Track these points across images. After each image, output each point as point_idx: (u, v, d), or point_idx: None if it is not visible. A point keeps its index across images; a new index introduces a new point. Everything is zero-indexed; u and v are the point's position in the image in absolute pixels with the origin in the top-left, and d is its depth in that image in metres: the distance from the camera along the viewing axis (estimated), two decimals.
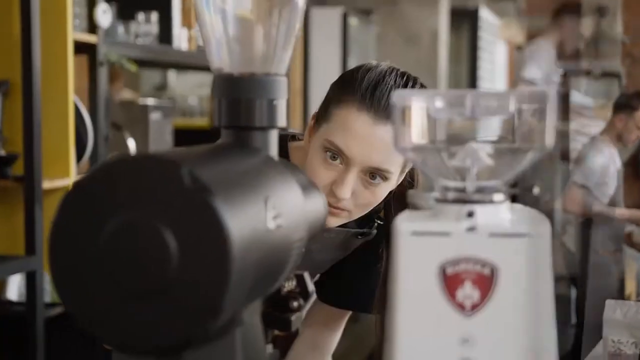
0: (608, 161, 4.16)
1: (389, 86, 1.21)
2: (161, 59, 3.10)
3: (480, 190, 0.70)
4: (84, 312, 0.62)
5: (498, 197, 0.70)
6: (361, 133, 1.19)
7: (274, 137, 0.81)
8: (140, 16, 2.97)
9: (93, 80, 2.64)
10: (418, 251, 0.68)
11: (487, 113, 0.69)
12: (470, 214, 0.68)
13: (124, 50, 2.84)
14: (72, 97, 2.47)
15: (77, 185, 0.63)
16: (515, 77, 4.49)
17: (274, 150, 0.81)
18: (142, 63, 3.19)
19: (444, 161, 0.71)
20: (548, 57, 4.32)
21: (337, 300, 1.48)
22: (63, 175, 2.49)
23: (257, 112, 0.79)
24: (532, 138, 0.69)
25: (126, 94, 3.91)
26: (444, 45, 5.64)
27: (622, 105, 4.23)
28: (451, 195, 0.70)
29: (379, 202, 1.27)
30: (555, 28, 4.43)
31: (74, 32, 2.51)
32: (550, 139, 0.68)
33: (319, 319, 1.49)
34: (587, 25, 4.45)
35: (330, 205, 1.22)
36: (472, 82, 7.24)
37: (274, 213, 0.69)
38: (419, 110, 0.70)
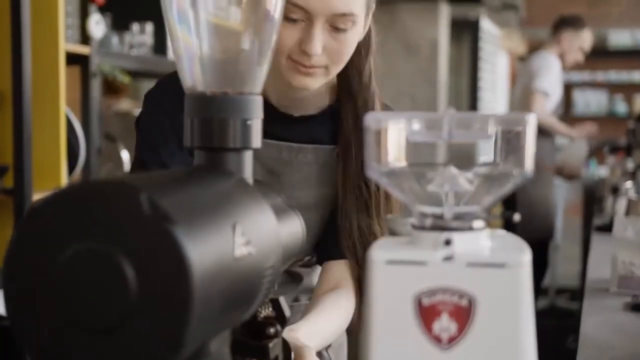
0: (557, 70, 4.36)
1: None
2: (156, 70, 3.07)
3: (458, 216, 0.67)
4: (38, 344, 0.59)
5: (477, 224, 0.67)
6: None
7: (248, 158, 0.78)
8: (135, 27, 2.95)
9: (85, 91, 2.62)
10: (393, 281, 0.65)
11: (465, 136, 0.66)
12: (448, 242, 0.65)
13: (118, 61, 2.82)
14: (63, 108, 2.44)
15: (33, 210, 0.60)
16: (522, 88, 4.49)
17: (248, 171, 0.78)
18: (137, 74, 3.16)
19: (421, 186, 0.68)
20: (556, 69, 4.36)
21: (339, 252, 1.30)
22: (54, 187, 2.46)
23: (230, 133, 0.76)
24: (512, 164, 0.66)
25: (124, 104, 3.88)
26: (444, 56, 5.61)
27: (567, 24, 4.36)
28: (428, 222, 0.67)
29: (352, 50, 1.21)
30: (556, 42, 4.46)
31: (66, 43, 2.49)
32: (530, 165, 0.65)
33: (330, 284, 1.29)
34: (589, 38, 4.48)
35: (303, 65, 1.19)
36: (473, 93, 7.22)
37: (243, 240, 0.66)
38: (394, 132, 0.67)
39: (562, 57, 4.40)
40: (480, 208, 0.68)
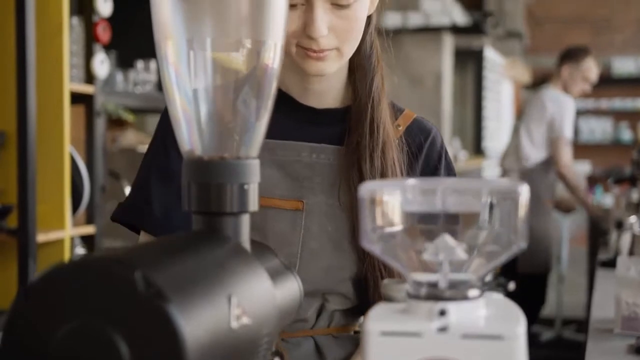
0: (574, 112, 4.41)
1: None
2: (160, 107, 3.09)
3: (453, 285, 0.67)
4: None
5: (472, 292, 0.67)
6: None
7: (245, 222, 0.78)
8: (140, 64, 2.97)
9: (90, 130, 2.63)
10: (388, 352, 0.65)
11: (459, 206, 0.67)
12: (443, 313, 0.65)
13: (122, 100, 2.83)
14: (68, 148, 2.46)
15: (29, 288, 0.60)
16: (525, 124, 4.49)
17: (245, 235, 0.78)
18: (142, 110, 3.18)
19: (416, 254, 0.68)
20: (573, 111, 4.40)
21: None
22: (58, 227, 2.46)
23: (227, 198, 0.77)
24: (506, 234, 0.66)
25: (130, 136, 3.90)
26: (447, 87, 5.63)
27: (568, 57, 4.38)
28: (423, 291, 0.67)
29: (361, 25, 1.14)
30: (557, 75, 4.49)
31: (71, 83, 2.51)
32: (523, 236, 0.66)
33: None
34: (593, 67, 4.50)
35: (313, 50, 1.12)
36: (477, 122, 7.23)
37: (239, 311, 0.66)
38: (388, 202, 0.68)
39: (566, 89, 4.42)
40: (475, 277, 0.68)
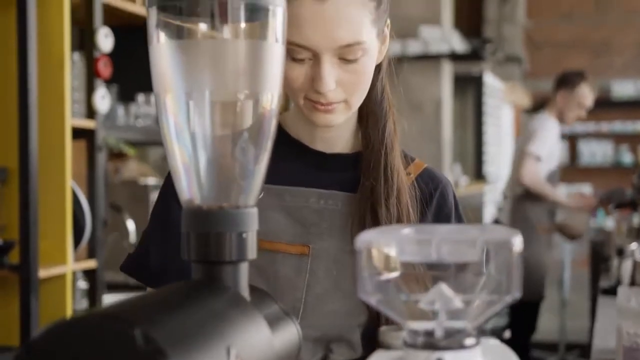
0: (555, 136, 4.38)
1: None
2: (161, 140, 3.10)
3: (450, 333, 0.68)
4: None
5: (469, 341, 0.68)
6: (311, 17, 1.08)
7: (244, 270, 0.80)
8: (140, 97, 3.00)
9: (91, 164, 2.65)
10: None
11: (454, 258, 0.68)
12: None
13: (124, 134, 2.85)
14: (69, 183, 2.47)
15: (30, 344, 0.61)
16: (517, 150, 4.52)
17: (243, 283, 0.79)
18: (143, 143, 3.20)
19: (412, 303, 0.69)
20: (553, 133, 4.39)
21: None
22: (60, 262, 2.47)
23: (226, 246, 0.78)
24: (501, 283, 0.67)
25: (133, 166, 3.92)
26: (447, 113, 5.65)
27: (562, 83, 4.39)
28: (420, 340, 0.68)
29: (369, 78, 1.15)
30: (553, 101, 4.52)
31: (73, 118, 2.52)
32: (518, 287, 0.67)
33: None
34: (588, 93, 4.52)
35: (320, 103, 1.13)
36: (478, 147, 7.25)
37: None
38: (384, 252, 0.69)
39: (561, 115, 4.45)
40: (472, 325, 0.69)
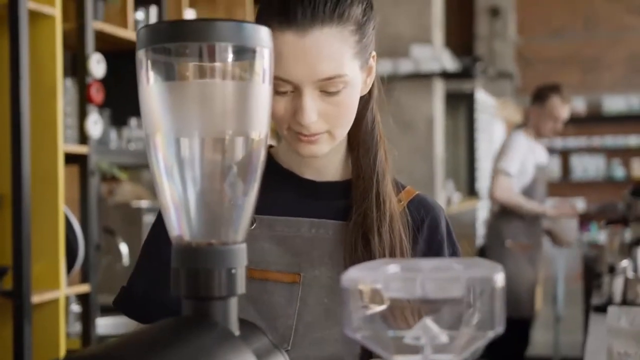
0: (527, 152, 4.34)
1: None
2: None
3: None
4: None
5: None
6: (293, 52, 1.09)
7: (233, 305, 0.81)
8: (133, 121, 3.01)
9: (84, 189, 2.66)
10: None
11: (438, 294, 0.69)
12: None
13: (116, 158, 2.87)
14: (62, 209, 2.48)
15: None
16: (493, 166, 4.53)
17: (233, 318, 0.81)
18: (136, 166, 3.22)
19: (398, 339, 0.71)
20: (523, 148, 4.39)
21: None
22: (53, 287, 2.48)
23: (216, 283, 0.79)
24: (484, 318, 0.69)
25: (127, 188, 3.93)
26: (439, 131, 5.68)
27: (535, 98, 4.40)
28: None
29: (353, 109, 1.15)
30: (527, 118, 4.54)
31: (65, 144, 2.54)
32: (501, 322, 0.68)
33: None
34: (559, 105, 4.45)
35: (303, 134, 1.14)
36: (471, 163, 7.28)
37: None
38: (370, 289, 0.70)
39: (538, 130, 4.45)
40: (457, 359, 0.70)
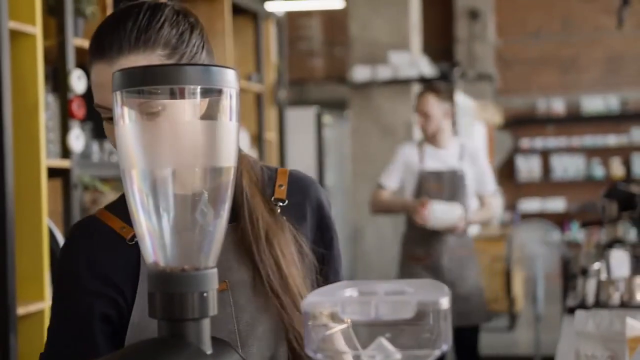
0: (405, 159, 4.09)
1: (114, 18, 1.19)
2: None
3: None
4: None
5: None
6: (104, 80, 1.16)
7: (206, 325, 0.87)
8: None
9: (67, 202, 2.71)
10: None
11: (391, 316, 0.76)
12: None
13: (98, 171, 2.92)
14: (45, 222, 2.53)
15: None
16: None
17: (206, 337, 0.87)
18: (118, 178, 3.27)
19: (355, 357, 0.77)
20: (400, 158, 4.16)
21: None
22: (38, 299, 2.53)
23: (189, 305, 0.86)
24: (432, 340, 0.75)
25: (110, 197, 3.97)
26: (418, 136, 5.76)
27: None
28: None
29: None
30: None
31: (48, 159, 2.59)
32: (447, 340, 0.75)
33: None
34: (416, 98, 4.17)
35: None
36: None
37: None
38: (327, 313, 0.77)
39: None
40: None
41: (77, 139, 2.70)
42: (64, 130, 2.70)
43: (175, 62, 1.19)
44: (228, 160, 0.88)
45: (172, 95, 0.86)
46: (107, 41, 1.17)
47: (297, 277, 1.25)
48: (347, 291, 0.80)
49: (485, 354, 4.51)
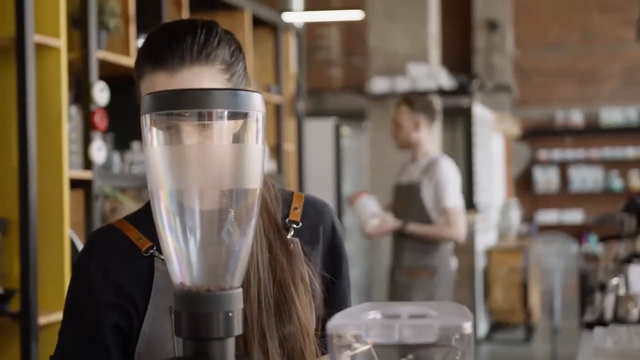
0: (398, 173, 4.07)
1: (170, 30, 1.20)
2: None
3: None
4: None
5: None
6: (163, 90, 1.15)
7: (230, 345, 0.89)
8: (136, 145, 3.10)
9: (89, 213, 2.74)
10: None
11: (414, 339, 0.77)
12: None
13: (119, 182, 2.95)
14: (67, 232, 2.56)
15: None
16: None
17: (230, 357, 0.89)
18: (139, 188, 3.30)
19: None
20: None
21: None
22: (59, 309, 2.55)
23: (214, 325, 0.87)
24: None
25: (129, 206, 4.00)
26: (437, 147, 5.76)
27: None
28: None
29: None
30: None
31: (70, 170, 2.62)
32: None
33: None
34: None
35: None
36: (469, 177, 7.35)
37: None
38: (352, 335, 0.78)
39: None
40: None
41: (99, 150, 2.73)
42: (86, 141, 2.73)
43: (229, 78, 1.22)
44: (254, 182, 0.89)
45: (200, 119, 0.88)
46: (167, 52, 1.18)
47: (299, 301, 1.24)
48: (370, 314, 0.81)
49: None
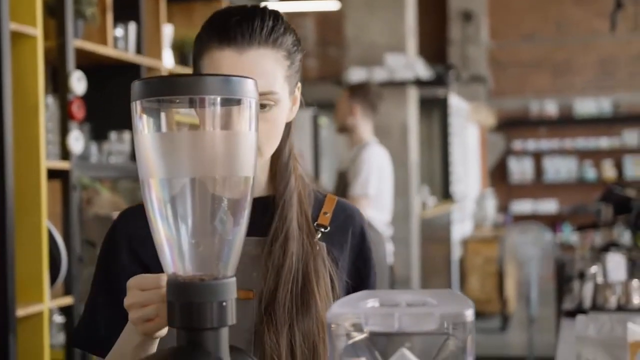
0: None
1: (241, 12, 1.21)
2: (134, 175, 3.17)
3: None
4: None
5: None
6: (231, 66, 1.18)
7: (224, 334, 0.87)
8: (113, 135, 3.06)
9: (66, 204, 2.70)
10: None
11: (414, 328, 0.76)
12: None
13: (97, 172, 2.92)
14: (45, 223, 2.53)
15: None
16: None
17: (224, 346, 0.87)
18: (116, 178, 3.27)
19: None
20: None
21: None
22: (37, 300, 2.52)
23: (208, 315, 0.86)
24: (457, 353, 0.76)
25: (106, 196, 3.96)
26: (414, 137, 5.77)
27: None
28: None
29: (280, 129, 1.23)
30: None
31: (48, 160, 2.58)
32: (472, 353, 0.75)
33: None
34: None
35: None
36: (445, 167, 7.38)
37: None
38: (351, 324, 0.77)
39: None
40: None
41: (77, 140, 2.69)
42: (64, 131, 2.69)
43: (289, 65, 1.23)
44: (247, 170, 0.88)
45: (192, 104, 0.86)
46: (238, 30, 1.18)
47: (319, 296, 1.23)
48: (368, 302, 0.80)
49: (478, 354, 4.51)
